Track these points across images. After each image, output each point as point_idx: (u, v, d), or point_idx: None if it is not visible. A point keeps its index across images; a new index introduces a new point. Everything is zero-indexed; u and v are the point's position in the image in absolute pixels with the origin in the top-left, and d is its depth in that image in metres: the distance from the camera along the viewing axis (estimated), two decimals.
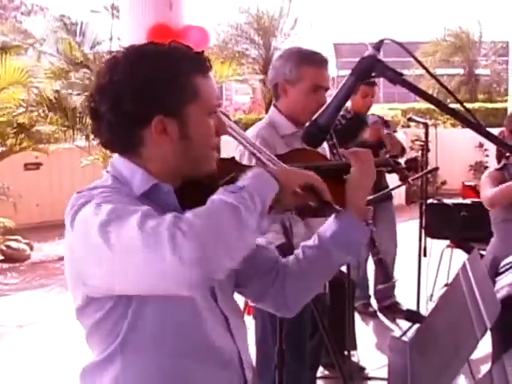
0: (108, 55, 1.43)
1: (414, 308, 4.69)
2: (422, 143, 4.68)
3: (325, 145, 2.63)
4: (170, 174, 1.35)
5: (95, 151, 7.29)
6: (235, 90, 22.70)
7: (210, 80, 1.37)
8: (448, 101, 9.44)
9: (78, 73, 8.24)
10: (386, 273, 1.78)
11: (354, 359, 3.90)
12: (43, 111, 7.39)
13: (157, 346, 1.32)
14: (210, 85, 1.36)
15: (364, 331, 4.54)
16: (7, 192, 7.16)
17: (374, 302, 4.97)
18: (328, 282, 2.93)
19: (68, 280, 1.33)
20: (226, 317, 1.43)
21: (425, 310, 4.61)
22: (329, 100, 1.48)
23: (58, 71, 8.32)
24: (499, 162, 3.63)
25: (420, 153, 4.58)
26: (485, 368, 3.28)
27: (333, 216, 1.49)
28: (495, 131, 1.37)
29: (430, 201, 4.88)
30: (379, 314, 4.90)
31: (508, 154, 3.46)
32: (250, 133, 2.45)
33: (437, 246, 4.82)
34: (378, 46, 1.41)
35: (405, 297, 4.87)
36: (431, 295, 4.85)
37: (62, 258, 5.19)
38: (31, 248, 7.28)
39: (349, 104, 4.55)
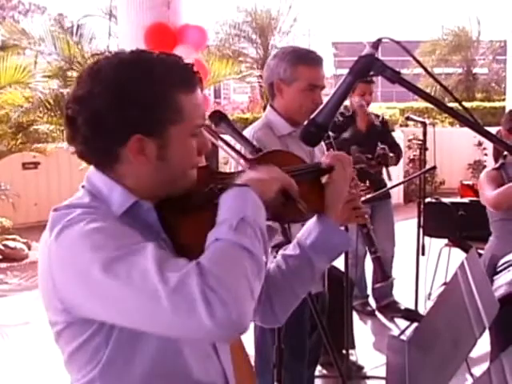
0: (96, 54, 1.36)
1: (412, 307, 4.69)
2: (420, 142, 4.69)
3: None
4: (146, 192, 1.29)
5: None
6: (233, 88, 22.71)
7: (197, 96, 1.29)
8: (446, 100, 9.45)
9: (76, 72, 8.23)
10: (383, 271, 1.77)
11: (353, 358, 3.90)
12: (40, 111, 7.38)
13: (136, 370, 1.26)
14: (195, 103, 1.28)
15: (362, 330, 4.55)
16: (5, 191, 7.15)
17: (372, 301, 4.97)
18: (327, 281, 2.94)
19: (45, 303, 1.27)
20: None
21: (423, 309, 4.62)
22: (327, 99, 1.47)
23: (55, 70, 8.32)
24: (496, 161, 3.62)
25: (418, 152, 4.59)
26: (483, 367, 3.28)
27: (312, 221, 1.47)
28: (493, 130, 1.37)
29: (428, 200, 4.88)
30: (377, 313, 4.90)
31: (505, 153, 3.46)
32: (247, 134, 2.45)
33: (435, 244, 4.82)
34: (376, 44, 1.41)
35: (403, 296, 4.87)
36: (429, 294, 4.86)
37: None
38: (29, 247, 7.27)
39: (348, 102, 4.55)
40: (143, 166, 1.27)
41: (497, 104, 13.98)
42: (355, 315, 4.51)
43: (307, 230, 1.49)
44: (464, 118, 1.32)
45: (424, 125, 4.65)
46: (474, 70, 18.59)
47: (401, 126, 10.57)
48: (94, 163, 1.31)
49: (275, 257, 1.55)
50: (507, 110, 4.05)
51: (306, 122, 1.48)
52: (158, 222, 1.29)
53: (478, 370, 3.21)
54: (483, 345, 3.04)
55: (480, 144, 9.98)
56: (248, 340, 2.95)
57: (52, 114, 7.39)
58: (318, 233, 1.46)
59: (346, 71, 1.45)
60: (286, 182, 1.31)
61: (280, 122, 2.64)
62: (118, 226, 1.20)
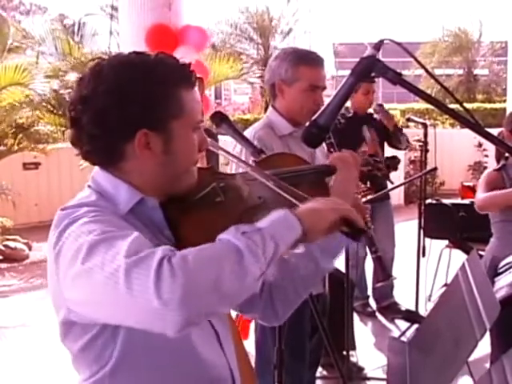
0: (96, 58, 1.37)
1: (413, 308, 4.69)
2: (421, 143, 4.69)
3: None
4: (151, 188, 1.32)
5: None
6: (234, 90, 22.71)
7: (196, 94, 1.35)
8: (447, 101, 9.44)
9: (77, 73, 8.23)
10: (384, 270, 1.77)
11: (353, 359, 3.90)
12: (40, 112, 7.39)
13: (147, 370, 1.28)
14: (195, 99, 1.34)
15: (363, 331, 4.54)
16: (6, 191, 7.16)
17: (372, 303, 4.97)
18: (327, 282, 2.94)
19: (52, 301, 1.29)
20: (217, 331, 1.39)
21: (424, 311, 4.62)
22: (328, 100, 1.48)
23: (56, 71, 8.32)
24: (498, 162, 3.62)
25: (419, 153, 4.59)
26: (484, 368, 3.27)
27: None
28: (494, 131, 1.37)
29: (428, 201, 4.88)
30: (378, 314, 4.90)
31: (507, 155, 3.46)
32: (247, 134, 2.45)
33: (436, 246, 4.82)
34: (377, 46, 1.42)
35: (403, 297, 4.87)
36: (430, 295, 4.86)
37: None
38: (30, 248, 7.28)
39: (349, 103, 4.55)
40: (149, 162, 1.29)
41: (497, 105, 13.99)
42: (356, 316, 4.51)
43: None
44: (465, 120, 1.32)
45: (425, 126, 4.66)
46: (475, 72, 18.61)
47: (402, 127, 10.54)
48: (98, 163, 1.33)
49: None
50: (508, 112, 4.05)
51: (307, 124, 1.49)
52: (163, 219, 1.31)
53: (479, 372, 3.21)
54: (484, 346, 3.04)
55: (480, 145, 9.98)
56: (248, 341, 2.96)
57: (53, 114, 7.40)
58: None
59: (346, 72, 1.46)
60: (345, 212, 1.28)
61: (281, 122, 2.64)
62: (115, 220, 1.22)
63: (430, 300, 4.79)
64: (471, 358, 1.48)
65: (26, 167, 8.43)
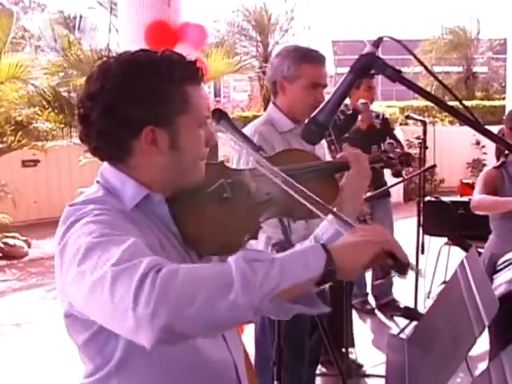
0: (102, 56, 1.38)
1: (412, 305, 4.69)
2: (420, 141, 4.69)
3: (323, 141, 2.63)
4: (159, 184, 1.33)
5: None
6: (233, 87, 22.69)
7: (202, 90, 1.36)
8: (446, 98, 9.45)
9: (76, 69, 8.23)
10: (383, 267, 1.77)
11: (352, 357, 3.91)
12: (39, 109, 7.39)
13: (151, 367, 1.29)
14: (201, 95, 1.35)
15: (362, 329, 4.55)
16: (5, 189, 7.15)
17: (371, 300, 4.97)
18: None
19: (59, 293, 1.30)
20: None
21: (422, 308, 4.62)
22: (327, 97, 1.48)
23: (55, 67, 8.31)
24: (498, 159, 3.62)
25: (418, 150, 4.59)
26: (483, 365, 3.28)
27: (329, 218, 1.47)
28: (493, 129, 1.36)
29: (427, 198, 4.88)
30: (377, 311, 4.90)
31: (507, 152, 3.46)
32: (247, 131, 2.46)
33: (434, 243, 4.82)
34: (376, 43, 1.41)
35: (402, 294, 4.88)
36: (429, 293, 4.86)
37: None
38: (29, 245, 7.28)
39: (348, 101, 4.55)
40: (156, 158, 1.31)
41: (497, 103, 13.97)
42: (355, 313, 4.52)
43: (325, 226, 1.53)
44: (464, 117, 1.32)
45: (424, 123, 4.65)
46: (474, 69, 18.58)
47: (401, 124, 10.56)
48: (107, 158, 1.36)
49: None
50: (508, 109, 4.05)
51: (307, 121, 1.49)
52: (169, 214, 1.32)
53: (478, 369, 3.22)
54: (482, 343, 3.04)
55: (478, 143, 9.98)
56: (248, 339, 2.96)
57: (51, 111, 7.39)
58: (336, 230, 1.46)
59: (345, 70, 1.46)
60: (387, 244, 1.27)
61: (282, 118, 2.65)
62: (117, 220, 1.22)
63: (428, 297, 4.80)
64: (470, 355, 1.48)
65: (25, 164, 8.43)
